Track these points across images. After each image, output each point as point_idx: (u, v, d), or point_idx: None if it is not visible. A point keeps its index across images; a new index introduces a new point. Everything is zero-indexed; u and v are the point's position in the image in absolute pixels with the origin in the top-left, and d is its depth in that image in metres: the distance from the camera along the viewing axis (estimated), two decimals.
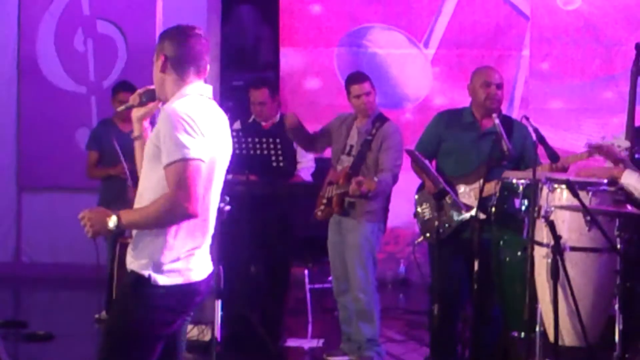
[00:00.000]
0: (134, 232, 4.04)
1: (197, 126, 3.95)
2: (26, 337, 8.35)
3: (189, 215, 3.89)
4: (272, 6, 11.16)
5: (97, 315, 8.75)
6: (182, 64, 4.12)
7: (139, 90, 4.27)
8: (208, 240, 4.13)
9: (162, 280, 3.95)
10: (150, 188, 4.02)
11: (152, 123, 4.27)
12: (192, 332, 7.55)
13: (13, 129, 11.33)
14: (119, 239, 8.62)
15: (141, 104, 4.26)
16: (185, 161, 3.87)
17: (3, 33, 11.31)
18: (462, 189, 6.37)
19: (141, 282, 3.95)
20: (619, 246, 4.99)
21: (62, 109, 11.07)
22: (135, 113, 4.28)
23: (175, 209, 3.87)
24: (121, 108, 4.67)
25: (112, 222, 3.89)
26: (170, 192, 3.87)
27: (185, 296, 4.07)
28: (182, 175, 3.87)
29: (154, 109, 4.25)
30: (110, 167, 8.65)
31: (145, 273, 3.94)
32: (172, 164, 3.87)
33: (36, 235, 11.05)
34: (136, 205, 4.09)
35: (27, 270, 11.03)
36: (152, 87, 4.27)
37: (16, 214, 11.29)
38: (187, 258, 4.04)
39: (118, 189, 8.55)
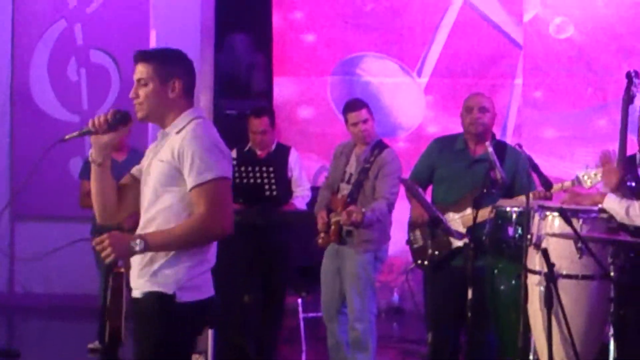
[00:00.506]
0: (140, 257, 4.06)
1: (221, 146, 4.11)
2: None
3: (224, 234, 4.04)
4: (265, 35, 11.20)
5: (90, 345, 8.79)
6: (190, 89, 4.24)
7: (108, 113, 4.17)
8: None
9: (186, 297, 4.02)
10: (162, 210, 4.08)
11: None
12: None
13: (6, 157, 11.37)
14: (112, 269, 8.66)
15: (110, 127, 4.17)
16: (217, 180, 4.00)
17: None
18: (450, 216, 6.38)
19: (165, 300, 4.01)
20: (612, 273, 5.01)
21: (55, 138, 11.02)
22: (102, 139, 4.18)
23: (213, 229, 3.99)
24: (73, 135, 4.42)
25: (138, 245, 3.92)
26: (205, 212, 3.95)
27: (204, 309, 4.15)
28: (216, 194, 4.00)
29: (123, 134, 4.25)
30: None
31: (170, 291, 4.00)
32: (204, 184, 3.97)
33: (29, 264, 11.00)
34: (144, 227, 4.13)
35: (21, 300, 11.03)
36: (121, 110, 4.26)
37: (9, 243, 11.28)
38: (204, 274, 4.14)
39: None
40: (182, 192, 4.04)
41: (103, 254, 3.93)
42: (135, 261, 4.10)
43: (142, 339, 4.17)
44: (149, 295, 4.07)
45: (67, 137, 4.42)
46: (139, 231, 4.11)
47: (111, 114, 4.16)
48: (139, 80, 4.18)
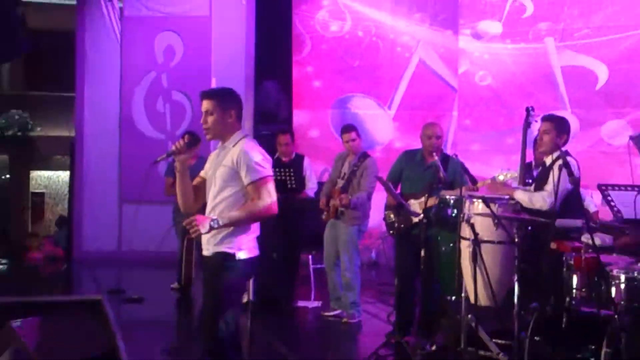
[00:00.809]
0: (213, 202, 4.16)
1: (265, 155, 4.18)
2: (125, 300, 8.36)
3: (273, 214, 4.10)
4: (287, 81, 11.23)
5: (172, 285, 8.86)
6: (240, 115, 4.26)
7: (184, 138, 4.29)
8: None
9: (242, 255, 4.08)
10: (225, 199, 4.11)
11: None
12: None
13: (116, 162, 11.41)
14: (186, 236, 8.71)
15: (187, 148, 4.21)
16: (265, 178, 4.08)
17: (110, 102, 11.40)
18: (411, 202, 6.41)
19: (229, 257, 4.07)
20: (516, 240, 5.04)
21: (148, 149, 10.97)
22: (181, 157, 4.22)
23: (267, 210, 4.06)
24: (162, 157, 4.49)
25: (215, 223, 3.99)
26: (259, 200, 4.04)
27: (253, 264, 4.18)
28: (265, 187, 4.07)
29: (194, 151, 4.30)
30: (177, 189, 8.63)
31: (232, 251, 4.07)
32: (256, 181, 4.05)
33: (131, 231, 11.00)
34: (211, 211, 4.16)
35: (126, 256, 11.03)
36: (192, 133, 4.32)
37: (118, 218, 11.32)
38: (253, 240, 4.17)
39: None
40: (239, 187, 4.08)
41: (191, 230, 4.00)
42: (208, 233, 4.11)
43: (212, 284, 4.18)
44: (217, 254, 4.11)
45: (158, 159, 4.54)
46: (207, 214, 4.15)
47: (187, 138, 4.25)
48: (206, 111, 4.18)
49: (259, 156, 4.13)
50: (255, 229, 4.19)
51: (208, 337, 4.14)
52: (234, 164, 4.09)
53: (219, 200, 4.15)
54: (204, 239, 4.18)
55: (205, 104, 4.20)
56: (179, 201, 4.43)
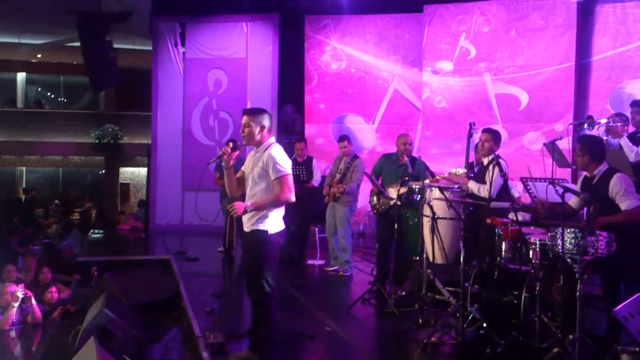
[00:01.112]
0: (251, 192, 4.12)
1: (287, 158, 4.11)
2: (186, 259, 8.42)
3: (290, 201, 4.05)
4: (301, 104, 11.18)
5: (219, 249, 8.87)
6: (270, 128, 4.19)
7: (229, 144, 4.19)
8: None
9: (272, 230, 4.04)
10: (260, 191, 4.08)
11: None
12: None
13: (180, 161, 11.37)
14: (229, 214, 8.72)
15: (232, 151, 4.17)
16: (285, 175, 4.02)
17: (176, 119, 11.37)
18: (389, 190, 6.40)
19: (263, 233, 4.03)
20: (462, 217, 5.05)
21: (202, 152, 11.03)
22: (227, 159, 4.17)
23: (285, 199, 4.01)
24: (214, 159, 4.45)
25: (249, 208, 3.98)
26: (281, 191, 3.99)
27: (281, 235, 4.14)
28: (285, 182, 4.01)
29: (235, 155, 4.24)
30: (224, 180, 8.62)
31: (264, 228, 4.03)
32: (279, 178, 4.00)
33: (190, 210, 10.98)
34: (250, 198, 4.13)
35: (186, 228, 11.02)
36: (233, 140, 4.25)
37: (181, 201, 11.27)
38: (280, 218, 4.13)
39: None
40: (268, 181, 4.05)
41: (231, 212, 4.00)
42: (246, 214, 4.09)
43: (253, 254, 4.13)
44: (254, 231, 4.09)
45: (211, 161, 4.53)
46: (247, 201, 4.13)
47: (231, 145, 4.19)
48: (244, 124, 4.15)
49: (282, 159, 4.08)
50: (280, 210, 4.15)
51: (256, 293, 4.10)
52: (264, 165, 4.05)
53: (254, 192, 4.13)
54: (244, 219, 4.14)
55: (244, 119, 4.15)
56: (226, 189, 4.39)
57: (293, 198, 4.06)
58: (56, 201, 17.62)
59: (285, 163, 4.08)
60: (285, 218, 4.25)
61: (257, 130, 4.13)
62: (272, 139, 4.21)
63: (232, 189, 4.31)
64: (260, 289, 4.04)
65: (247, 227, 4.16)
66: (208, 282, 7.11)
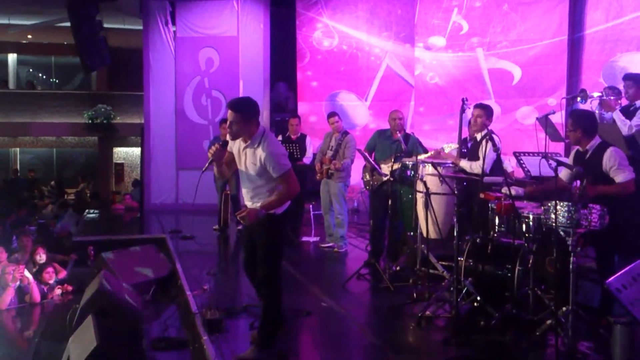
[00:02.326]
0: (253, 191, 3.93)
1: (283, 150, 3.95)
2: (181, 237, 8.43)
3: (295, 195, 3.90)
4: (293, 82, 11.12)
5: (214, 227, 8.87)
6: (258, 119, 3.95)
7: (217, 145, 3.92)
8: None
9: (278, 212, 3.90)
10: (262, 186, 3.90)
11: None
12: None
13: (173, 140, 11.29)
14: (224, 192, 8.71)
15: (222, 149, 3.95)
16: (288, 171, 3.84)
17: (168, 98, 11.26)
18: (382, 166, 6.39)
19: (271, 215, 3.86)
20: (455, 192, 5.05)
21: (196, 132, 11.04)
22: (217, 159, 3.94)
23: (293, 192, 3.85)
24: (207, 165, 4.03)
25: (260, 213, 3.78)
26: (288, 187, 3.82)
27: (285, 214, 3.98)
28: (289, 178, 3.84)
29: (225, 152, 4.01)
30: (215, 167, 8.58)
31: (272, 210, 3.87)
32: (282, 175, 3.81)
33: (185, 190, 11.06)
34: (254, 195, 3.95)
35: (181, 207, 11.01)
36: (222, 141, 4.00)
37: (175, 180, 11.24)
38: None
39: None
40: (268, 177, 3.86)
41: (244, 222, 3.83)
42: (251, 199, 3.98)
43: (260, 234, 3.97)
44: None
45: (204, 168, 4.00)
46: (247, 200, 3.99)
47: (221, 144, 3.94)
48: (231, 121, 3.84)
49: (279, 152, 3.87)
50: None
51: (262, 272, 3.99)
52: (262, 163, 3.82)
53: (258, 188, 3.94)
54: (249, 203, 3.99)
55: (230, 116, 3.83)
56: (217, 175, 4.21)
57: (299, 187, 3.92)
58: (52, 182, 17.57)
59: (283, 156, 3.88)
60: None
61: (245, 126, 3.84)
62: (262, 129, 3.91)
63: (223, 174, 4.16)
64: (267, 269, 3.95)
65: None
66: (204, 260, 7.11)
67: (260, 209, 3.81)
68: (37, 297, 6.21)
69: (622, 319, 3.61)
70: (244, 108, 3.87)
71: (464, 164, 5.49)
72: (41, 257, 6.76)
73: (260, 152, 3.83)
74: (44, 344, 4.91)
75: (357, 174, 7.43)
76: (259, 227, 3.92)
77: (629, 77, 5.70)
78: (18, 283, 6.08)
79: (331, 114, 7.51)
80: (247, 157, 3.92)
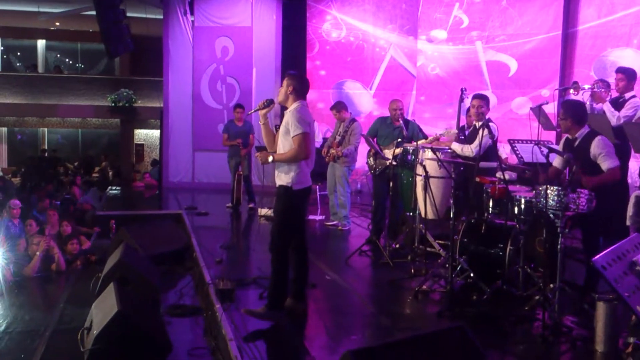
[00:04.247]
0: (277, 168, 4.02)
1: (306, 117, 3.97)
2: (197, 213, 8.46)
3: (304, 157, 3.94)
4: (303, 71, 10.97)
5: (227, 204, 8.89)
6: (298, 90, 4.05)
7: (265, 100, 4.12)
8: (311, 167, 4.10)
9: (296, 186, 3.97)
10: (285, 147, 3.98)
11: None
12: (268, 212, 7.63)
13: (190, 123, 11.30)
14: (237, 173, 8.72)
15: (265, 106, 4.10)
16: (301, 133, 3.91)
17: (186, 84, 11.26)
18: (385, 151, 6.38)
19: (287, 189, 3.96)
20: (453, 175, 5.05)
21: (212, 115, 11.06)
22: (262, 111, 4.10)
23: (300, 155, 3.91)
24: (253, 111, 4.34)
25: (270, 157, 3.96)
26: (297, 147, 3.90)
27: (306, 193, 4.07)
28: (300, 140, 3.91)
29: (271, 109, 4.17)
30: (231, 141, 8.60)
31: (289, 184, 3.96)
32: (296, 135, 3.91)
33: (201, 170, 11.08)
34: (278, 151, 4.05)
35: (197, 186, 11.07)
36: (269, 98, 4.21)
37: (192, 160, 11.29)
38: (306, 175, 4.03)
39: (235, 150, 8.61)
40: (289, 138, 3.95)
41: (259, 160, 4.02)
42: (275, 170, 4.06)
43: (278, 208, 4.05)
44: (280, 187, 4.02)
45: (250, 112, 4.63)
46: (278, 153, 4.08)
47: (266, 100, 4.12)
48: (282, 85, 4.08)
49: (300, 118, 3.95)
50: (305, 167, 4.03)
51: (271, 244, 4.05)
52: (287, 124, 3.98)
53: (280, 147, 4.05)
54: (276, 171, 4.08)
55: (286, 81, 4.09)
56: (265, 143, 4.25)
57: (307, 155, 3.95)
58: (76, 163, 17.68)
59: (304, 122, 3.95)
60: None
61: (287, 91, 4.04)
62: (297, 103, 4.04)
63: (268, 142, 4.22)
64: (277, 239, 4.01)
65: (277, 182, 4.09)
66: (217, 235, 7.14)
67: (271, 154, 4.01)
68: (62, 265, 6.27)
69: (605, 296, 3.62)
70: (289, 75, 4.12)
71: (455, 146, 5.47)
72: (65, 229, 6.81)
73: (288, 114, 4.00)
74: (68, 309, 4.96)
75: (362, 158, 7.43)
76: (277, 199, 4.05)
77: (621, 71, 5.65)
78: (45, 252, 6.14)
79: (332, 107, 7.49)
80: (283, 121, 4.09)
